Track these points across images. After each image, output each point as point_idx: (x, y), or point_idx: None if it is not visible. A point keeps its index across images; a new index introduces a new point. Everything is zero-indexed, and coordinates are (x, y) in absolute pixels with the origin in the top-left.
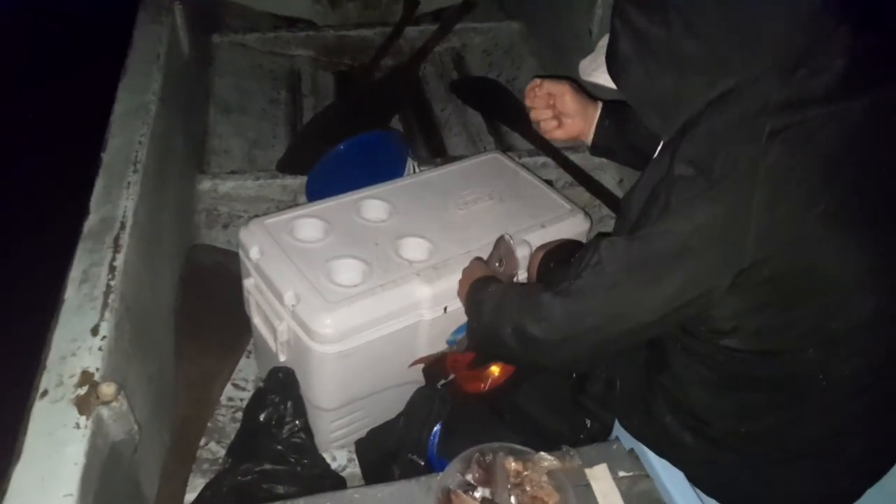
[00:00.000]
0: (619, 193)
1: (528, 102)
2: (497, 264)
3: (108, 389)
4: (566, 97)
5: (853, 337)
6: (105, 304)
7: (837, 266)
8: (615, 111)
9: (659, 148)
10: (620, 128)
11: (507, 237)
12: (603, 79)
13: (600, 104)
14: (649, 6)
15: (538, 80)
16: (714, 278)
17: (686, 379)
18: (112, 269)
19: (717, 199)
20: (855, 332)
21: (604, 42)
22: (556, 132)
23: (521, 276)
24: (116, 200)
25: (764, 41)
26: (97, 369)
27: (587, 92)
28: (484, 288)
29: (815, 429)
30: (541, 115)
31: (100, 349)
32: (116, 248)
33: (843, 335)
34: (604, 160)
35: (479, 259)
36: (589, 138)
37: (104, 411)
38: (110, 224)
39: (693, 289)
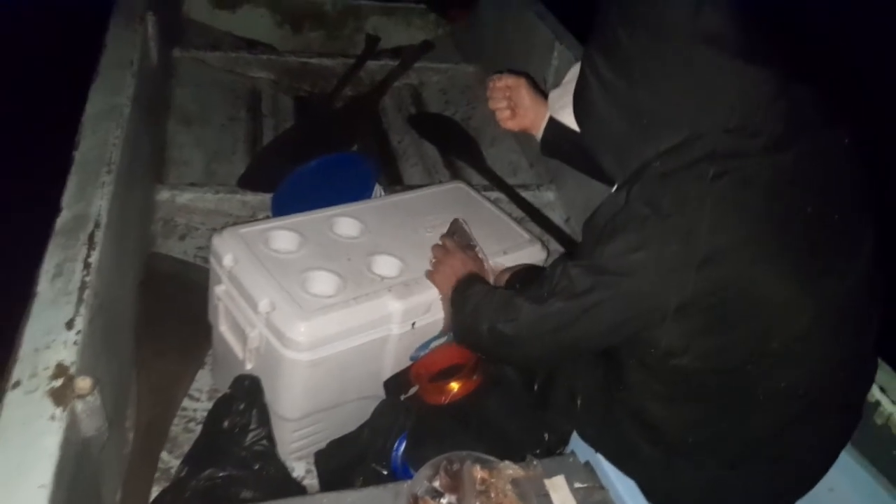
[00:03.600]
0: (567, 230)
1: (487, 94)
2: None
3: (83, 383)
4: (521, 90)
5: (789, 352)
6: (80, 300)
7: (774, 289)
8: None
9: (615, 187)
10: (569, 129)
11: (460, 219)
12: (568, 119)
13: None
14: (615, 59)
15: (497, 75)
16: (661, 302)
17: (641, 392)
18: (87, 265)
19: (668, 231)
20: (791, 347)
21: (571, 76)
22: (508, 122)
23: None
24: (90, 199)
25: (715, 106)
26: (73, 363)
27: (542, 91)
28: (470, 286)
29: (756, 434)
30: (497, 104)
31: (75, 343)
32: (91, 245)
33: (780, 351)
34: (552, 198)
35: (459, 254)
36: (539, 133)
37: (78, 405)
38: (84, 221)
39: (640, 309)
